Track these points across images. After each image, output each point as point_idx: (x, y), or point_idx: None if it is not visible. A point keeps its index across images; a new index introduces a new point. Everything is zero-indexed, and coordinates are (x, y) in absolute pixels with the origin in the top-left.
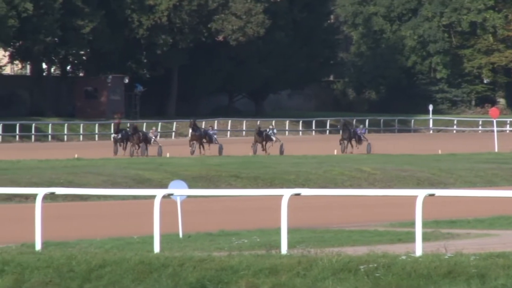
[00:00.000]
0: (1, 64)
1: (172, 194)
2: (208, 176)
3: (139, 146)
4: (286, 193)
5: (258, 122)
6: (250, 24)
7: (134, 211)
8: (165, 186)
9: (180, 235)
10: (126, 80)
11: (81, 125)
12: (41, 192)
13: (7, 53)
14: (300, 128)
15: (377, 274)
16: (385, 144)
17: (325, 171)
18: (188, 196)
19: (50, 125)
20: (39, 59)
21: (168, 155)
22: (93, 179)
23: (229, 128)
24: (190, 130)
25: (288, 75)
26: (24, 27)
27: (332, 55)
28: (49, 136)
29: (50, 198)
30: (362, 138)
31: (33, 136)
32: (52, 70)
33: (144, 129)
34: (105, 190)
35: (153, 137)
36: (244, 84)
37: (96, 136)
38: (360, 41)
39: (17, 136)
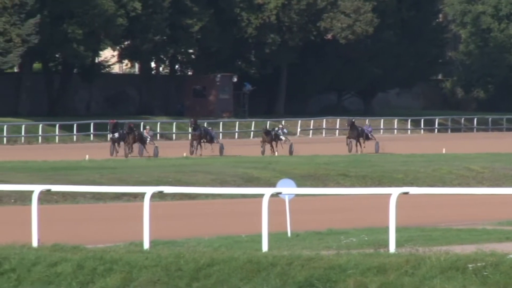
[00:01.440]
0: (110, 63)
1: (280, 193)
2: (317, 174)
3: (132, 146)
4: (394, 191)
5: (268, 123)
6: (358, 23)
7: (242, 209)
8: (273, 184)
9: (289, 234)
10: (235, 79)
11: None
12: (149, 190)
13: (116, 52)
14: (409, 127)
15: (485, 273)
16: (492, 142)
17: (433, 169)
18: (297, 195)
19: (158, 123)
20: (148, 58)
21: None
22: (201, 177)
23: (337, 126)
24: (190, 130)
25: (397, 73)
26: (132, 26)
27: (440, 53)
28: (158, 135)
29: (158, 196)
30: (370, 136)
31: None
32: (161, 69)
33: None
34: (213, 189)
35: (149, 137)
36: (352, 83)
37: None
38: (469, 39)
39: None
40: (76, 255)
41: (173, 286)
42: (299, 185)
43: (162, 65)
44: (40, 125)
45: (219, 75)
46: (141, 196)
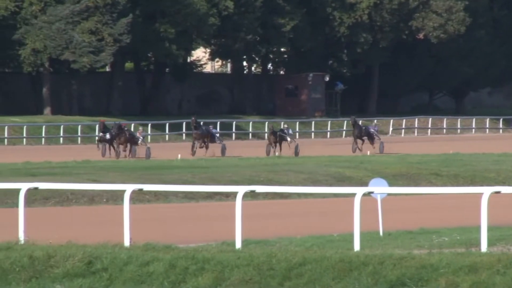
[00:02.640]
0: (202, 62)
1: (372, 192)
2: (409, 174)
3: (126, 147)
4: (486, 191)
5: (283, 124)
6: (450, 22)
7: (334, 209)
8: (365, 184)
9: (380, 233)
10: (327, 78)
11: (282, 123)
12: (241, 190)
13: (208, 51)
14: (500, 126)
15: None
16: None
17: None
18: (389, 194)
19: (250, 123)
20: (240, 57)
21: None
22: (293, 177)
23: (429, 126)
24: (193, 129)
25: (488, 73)
26: (224, 25)
27: None
28: (250, 134)
29: (250, 196)
30: (375, 136)
31: (233, 134)
32: (253, 68)
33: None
34: (305, 188)
35: (141, 138)
36: (444, 82)
37: (297, 134)
38: None
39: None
40: (168, 254)
41: (265, 285)
42: (391, 184)
43: (254, 65)
44: (132, 125)
45: (311, 74)
46: (233, 195)
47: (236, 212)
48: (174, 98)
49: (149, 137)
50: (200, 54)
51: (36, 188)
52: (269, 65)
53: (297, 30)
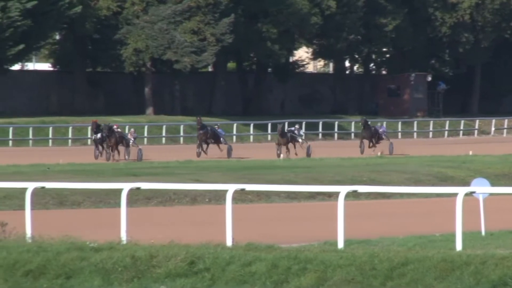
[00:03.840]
0: (304, 62)
1: (474, 192)
2: (511, 173)
3: (116, 149)
4: None
5: (286, 124)
6: None
7: (436, 208)
8: (467, 184)
9: (483, 233)
10: (429, 78)
11: (384, 123)
12: (343, 190)
13: (310, 51)
14: None
15: None
16: None
17: None
18: (491, 194)
19: (352, 123)
20: (342, 57)
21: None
22: (396, 177)
23: None
24: (198, 129)
25: None
26: (327, 25)
27: None
28: (352, 134)
29: (352, 195)
30: (384, 137)
31: (335, 134)
32: (355, 68)
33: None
34: (407, 188)
35: (132, 139)
36: None
37: (399, 134)
38: None
39: (320, 134)
40: (270, 254)
41: (367, 285)
42: (493, 184)
43: (356, 64)
44: (235, 125)
45: (413, 74)
46: (335, 195)
47: (338, 212)
48: (276, 98)
49: (251, 137)
50: (302, 54)
51: (138, 188)
52: (371, 65)
53: (399, 30)
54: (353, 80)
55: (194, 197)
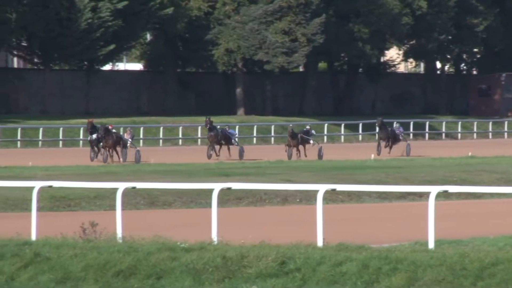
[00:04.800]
0: (395, 62)
1: None
2: None
3: (114, 150)
4: None
5: (291, 125)
6: None
7: None
8: None
9: None
10: None
11: (475, 123)
12: (434, 190)
13: (401, 51)
14: None
15: None
16: None
17: None
18: None
19: (443, 123)
20: (433, 57)
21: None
22: (486, 177)
23: None
24: (208, 131)
25: None
26: (418, 25)
27: None
28: (443, 134)
29: (443, 195)
30: (401, 138)
31: (426, 134)
32: (446, 68)
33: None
34: (497, 188)
35: (129, 140)
36: None
37: (490, 134)
38: None
39: (411, 134)
40: (361, 254)
41: (458, 285)
42: None
43: (447, 64)
44: (325, 125)
45: (504, 74)
46: (426, 195)
47: (428, 212)
48: (367, 98)
49: (342, 137)
50: (393, 54)
51: (229, 189)
52: (462, 65)
53: (490, 30)
54: (444, 80)
55: (284, 197)
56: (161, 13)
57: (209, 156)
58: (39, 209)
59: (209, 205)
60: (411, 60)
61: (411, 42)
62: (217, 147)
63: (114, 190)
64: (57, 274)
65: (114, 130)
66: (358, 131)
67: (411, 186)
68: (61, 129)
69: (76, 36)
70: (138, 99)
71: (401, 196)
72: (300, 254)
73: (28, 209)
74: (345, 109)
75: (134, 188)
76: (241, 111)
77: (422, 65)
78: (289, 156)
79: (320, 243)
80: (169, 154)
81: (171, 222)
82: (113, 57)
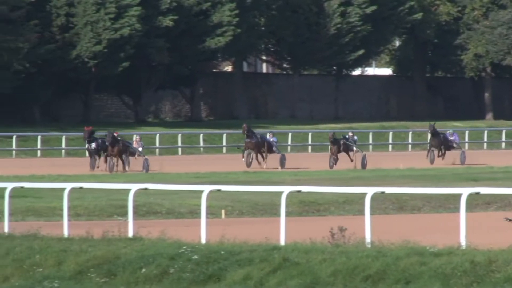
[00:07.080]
0: None
1: None
2: None
3: (120, 159)
4: None
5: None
6: None
7: None
8: None
9: None
10: None
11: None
12: None
13: None
14: None
15: None
16: None
17: None
18: None
19: None
20: None
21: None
22: None
23: None
24: (245, 138)
25: None
26: None
27: None
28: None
29: None
30: (455, 145)
31: None
32: None
33: None
34: None
35: (140, 148)
36: None
37: None
38: None
39: None
40: None
41: None
42: None
43: None
44: None
45: None
46: None
47: None
48: None
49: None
50: None
51: (477, 193)
52: None
53: None
54: None
55: None
56: (410, 18)
57: (249, 164)
58: (287, 214)
59: (457, 209)
60: None
61: None
62: (253, 154)
63: (363, 195)
64: (305, 279)
65: (120, 138)
66: None
67: None
68: (310, 134)
69: (325, 41)
70: (387, 104)
71: None
72: None
73: (277, 214)
74: None
75: (382, 193)
76: (489, 115)
77: None
78: (331, 166)
79: None
80: (417, 159)
81: (420, 226)
82: (362, 62)
